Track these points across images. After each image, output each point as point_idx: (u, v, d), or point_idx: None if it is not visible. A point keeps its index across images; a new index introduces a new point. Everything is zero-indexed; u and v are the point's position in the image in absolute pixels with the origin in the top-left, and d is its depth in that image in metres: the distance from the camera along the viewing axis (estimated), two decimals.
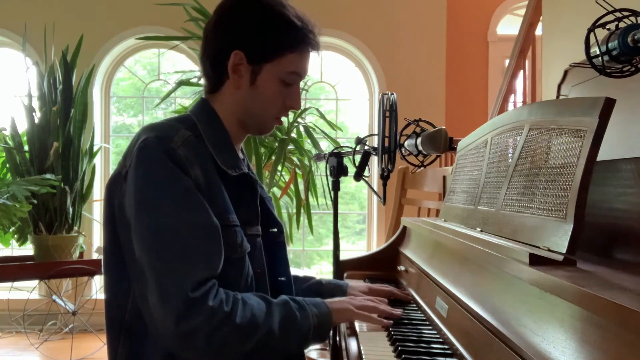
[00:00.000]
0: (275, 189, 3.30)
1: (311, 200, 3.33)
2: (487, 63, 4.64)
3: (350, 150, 1.80)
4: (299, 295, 1.14)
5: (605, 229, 0.95)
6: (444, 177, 1.99)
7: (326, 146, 3.73)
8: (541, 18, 3.10)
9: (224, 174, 1.10)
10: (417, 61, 4.32)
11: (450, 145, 1.52)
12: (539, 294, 0.76)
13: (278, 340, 1.03)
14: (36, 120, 3.25)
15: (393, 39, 4.34)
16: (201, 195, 1.04)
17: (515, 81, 3.43)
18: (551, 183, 0.89)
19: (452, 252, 1.22)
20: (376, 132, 1.74)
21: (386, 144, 1.63)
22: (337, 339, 1.29)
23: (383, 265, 1.79)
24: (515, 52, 3.34)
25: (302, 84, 1.40)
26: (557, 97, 1.27)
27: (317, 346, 2.84)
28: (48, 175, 3.05)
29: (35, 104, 3.29)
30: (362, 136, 1.76)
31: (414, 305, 1.35)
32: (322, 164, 2.17)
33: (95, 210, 4.33)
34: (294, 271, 1.33)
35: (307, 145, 3.39)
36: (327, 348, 2.71)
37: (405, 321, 1.20)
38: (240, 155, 1.21)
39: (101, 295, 2.10)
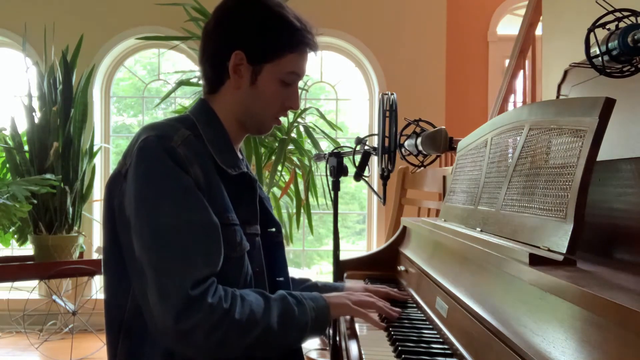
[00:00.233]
0: (275, 189, 3.30)
1: (311, 200, 3.33)
2: (487, 63, 4.64)
3: (350, 150, 1.80)
4: None
5: (605, 229, 0.95)
6: (444, 177, 1.99)
7: (326, 146, 3.73)
8: (541, 18, 3.10)
9: (224, 173, 1.11)
10: (417, 61, 4.32)
11: (450, 145, 1.52)
12: (539, 294, 0.76)
13: (277, 335, 1.04)
14: (36, 120, 3.25)
15: (393, 39, 4.34)
16: (201, 194, 1.04)
17: (515, 81, 3.43)
18: (551, 183, 0.89)
19: (452, 252, 1.22)
20: (376, 132, 1.74)
21: (386, 144, 1.63)
22: (337, 339, 1.29)
23: (383, 266, 1.78)
24: (515, 52, 3.34)
25: (301, 84, 1.40)
26: (557, 97, 1.27)
27: (317, 346, 2.84)
28: (48, 175, 3.05)
29: (35, 104, 3.29)
30: (362, 136, 1.77)
31: (414, 305, 1.35)
32: (322, 164, 2.17)
33: (95, 210, 4.33)
34: (291, 272, 1.33)
35: (307, 145, 3.39)
36: (327, 348, 2.71)
37: (405, 321, 1.20)
38: (239, 155, 1.22)
39: (101, 295, 2.10)
